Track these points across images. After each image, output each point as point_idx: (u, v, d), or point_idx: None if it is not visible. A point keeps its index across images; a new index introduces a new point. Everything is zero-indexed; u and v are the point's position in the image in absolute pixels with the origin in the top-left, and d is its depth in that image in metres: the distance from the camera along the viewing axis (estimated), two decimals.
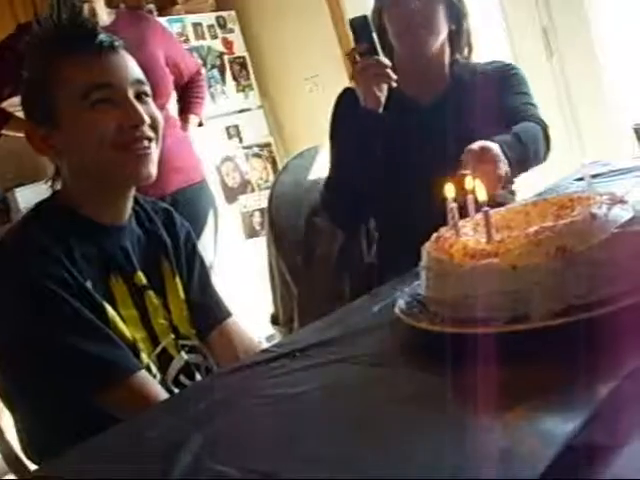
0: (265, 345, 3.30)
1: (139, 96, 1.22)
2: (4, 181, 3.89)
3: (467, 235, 0.94)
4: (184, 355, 1.31)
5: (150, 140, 1.22)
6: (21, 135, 2.48)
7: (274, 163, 4.09)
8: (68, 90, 1.18)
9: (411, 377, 0.85)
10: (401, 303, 0.98)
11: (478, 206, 0.95)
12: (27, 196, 3.73)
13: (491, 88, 1.80)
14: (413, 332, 0.90)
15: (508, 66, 1.91)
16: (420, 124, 1.82)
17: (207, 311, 1.41)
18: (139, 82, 1.23)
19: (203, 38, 3.94)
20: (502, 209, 1.04)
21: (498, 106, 1.75)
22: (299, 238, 2.02)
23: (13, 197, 3.80)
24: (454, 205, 0.98)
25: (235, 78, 4.06)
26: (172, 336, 1.30)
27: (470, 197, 1.00)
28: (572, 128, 3.11)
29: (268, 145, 4.10)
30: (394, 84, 1.67)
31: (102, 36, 1.21)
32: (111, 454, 0.82)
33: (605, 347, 0.74)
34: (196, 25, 3.91)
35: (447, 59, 1.88)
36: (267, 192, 3.91)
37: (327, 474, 0.64)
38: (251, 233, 3.95)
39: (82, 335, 1.12)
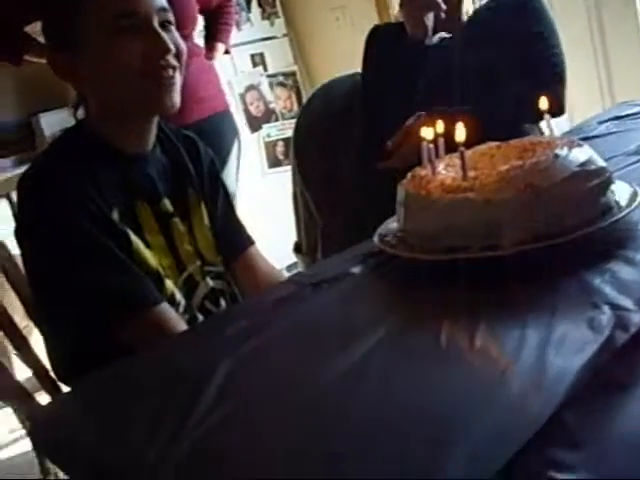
0: (286, 274, 3.34)
1: (163, 24, 1.21)
2: (28, 106, 3.89)
3: (442, 174, 1.01)
4: (209, 281, 1.33)
5: (174, 69, 1.21)
6: (43, 61, 2.48)
7: (298, 93, 4.05)
8: (94, 15, 1.17)
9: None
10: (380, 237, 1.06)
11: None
12: (51, 122, 3.73)
13: (510, 18, 1.81)
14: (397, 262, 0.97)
15: None
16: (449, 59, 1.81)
17: (230, 239, 1.42)
18: (164, 10, 1.21)
19: None
20: (468, 151, 1.08)
21: (517, 35, 1.77)
22: (324, 168, 2.02)
23: (37, 122, 3.81)
24: (429, 146, 1.03)
25: (261, 5, 3.99)
26: (198, 262, 1.32)
27: (441, 140, 1.06)
28: (602, 68, 3.04)
29: (293, 74, 4.05)
30: (443, 15, 1.71)
31: None
32: (141, 377, 0.84)
33: (566, 271, 0.84)
34: None
35: None
36: (291, 121, 3.94)
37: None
38: (274, 162, 3.94)
39: (104, 267, 1.14)
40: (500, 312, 0.78)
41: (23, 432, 2.37)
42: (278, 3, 4.06)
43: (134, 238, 1.19)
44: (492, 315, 0.77)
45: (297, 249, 2.14)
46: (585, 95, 1.85)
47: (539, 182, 0.89)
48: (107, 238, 1.14)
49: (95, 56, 1.18)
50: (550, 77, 1.75)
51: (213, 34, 2.70)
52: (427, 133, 1.03)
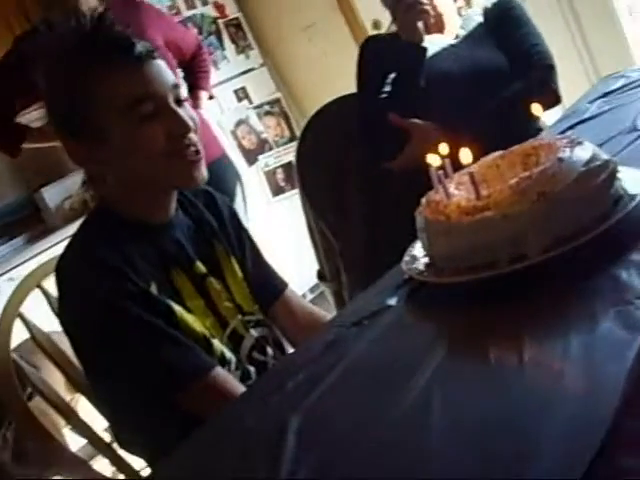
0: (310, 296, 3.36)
1: (178, 101, 1.23)
2: (28, 183, 3.95)
3: (456, 195, 1.05)
4: (253, 332, 1.36)
5: (197, 144, 1.24)
6: (43, 145, 2.53)
7: (287, 118, 4.10)
8: (111, 104, 1.17)
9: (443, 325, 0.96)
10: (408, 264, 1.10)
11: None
12: (54, 194, 3.78)
13: (494, 25, 2.02)
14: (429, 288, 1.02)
15: (504, 1, 2.06)
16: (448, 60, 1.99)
17: (265, 286, 1.46)
18: (176, 87, 1.24)
19: (194, 7, 3.92)
20: (475, 166, 1.13)
21: (502, 40, 1.98)
22: (332, 194, 2.06)
23: (40, 197, 3.86)
24: (438, 172, 1.07)
25: (233, 41, 4.06)
26: (239, 316, 1.35)
27: (447, 161, 1.11)
28: (581, 46, 3.08)
29: (277, 101, 4.11)
30: (432, 20, 1.95)
31: (139, 46, 1.20)
32: (217, 449, 0.88)
33: (593, 270, 0.88)
34: None
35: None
36: (285, 147, 4.00)
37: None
38: (277, 190, 3.99)
39: (154, 344, 1.17)
40: (541, 322, 0.82)
41: None
42: (249, 35, 4.12)
43: (176, 307, 1.22)
44: (534, 327, 0.81)
45: (320, 277, 2.18)
46: (570, 76, 1.93)
47: (550, 189, 0.93)
48: (151, 314, 1.17)
49: (119, 143, 1.19)
50: (542, 69, 1.88)
51: (194, 84, 2.76)
52: (434, 160, 1.07)
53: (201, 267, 1.31)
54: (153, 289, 1.20)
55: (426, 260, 1.07)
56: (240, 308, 1.37)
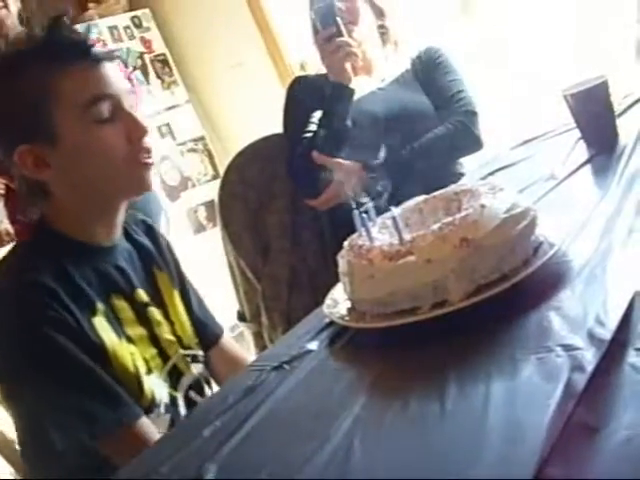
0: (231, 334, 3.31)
1: (131, 108, 1.21)
2: None
3: (379, 239, 1.05)
4: (193, 369, 1.33)
5: (150, 150, 1.22)
6: None
7: (210, 156, 4.08)
8: (67, 104, 1.14)
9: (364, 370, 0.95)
10: (330, 308, 1.09)
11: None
12: None
13: (420, 71, 2.09)
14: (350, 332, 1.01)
15: (432, 49, 2.12)
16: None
17: (207, 328, 1.45)
18: (129, 92, 1.22)
19: (121, 40, 3.90)
20: (398, 209, 1.14)
21: (428, 86, 2.05)
22: (254, 234, 2.05)
23: None
24: (360, 214, 1.08)
25: (159, 76, 4.03)
26: (180, 351, 1.32)
27: (370, 204, 1.13)
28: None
29: (202, 138, 4.09)
30: (360, 62, 2.00)
31: (96, 48, 1.18)
32: None
33: (515, 316, 0.88)
34: (112, 28, 3.87)
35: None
36: (208, 185, 3.96)
37: None
38: (198, 228, 3.95)
39: (76, 384, 1.11)
40: (463, 369, 0.81)
41: None
42: (176, 71, 4.10)
43: (111, 344, 1.16)
44: (456, 373, 0.80)
45: (241, 318, 2.15)
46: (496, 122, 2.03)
47: (472, 235, 0.93)
48: (82, 350, 1.11)
49: (74, 145, 1.15)
50: (465, 115, 1.92)
51: None
52: (356, 202, 1.07)
53: (143, 295, 1.28)
54: (99, 313, 1.16)
55: (348, 304, 1.06)
56: (180, 340, 1.33)
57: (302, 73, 2.47)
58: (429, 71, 2.07)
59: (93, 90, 1.16)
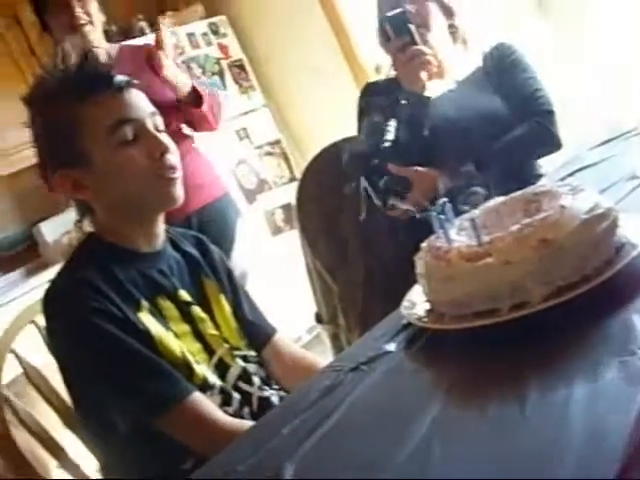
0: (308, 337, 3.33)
1: (156, 129, 1.31)
2: (27, 217, 3.95)
3: (457, 241, 1.04)
4: (240, 362, 1.38)
5: (175, 167, 1.31)
6: None
7: (287, 159, 4.12)
8: (94, 130, 1.26)
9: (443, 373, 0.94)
10: (407, 310, 1.09)
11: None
12: (52, 228, 3.79)
13: (492, 69, 2.02)
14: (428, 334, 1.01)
15: (504, 46, 2.06)
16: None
17: (258, 328, 1.49)
18: (154, 114, 1.32)
19: (198, 47, 3.96)
20: (476, 211, 1.15)
21: (502, 85, 1.98)
22: (331, 237, 2.06)
23: (39, 231, 3.86)
24: (437, 216, 1.07)
25: (236, 81, 4.09)
26: (225, 345, 1.37)
27: (448, 205, 1.11)
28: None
29: (278, 142, 4.13)
30: (435, 69, 1.90)
31: (118, 77, 1.29)
32: None
33: (597, 318, 0.86)
34: (190, 35, 3.93)
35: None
36: (284, 188, 4.00)
37: None
38: (275, 230, 3.99)
39: (131, 368, 1.20)
40: (543, 372, 0.80)
41: None
42: (252, 76, 4.15)
43: (156, 332, 1.24)
44: (536, 376, 0.79)
45: (318, 319, 2.16)
46: (574, 122, 1.96)
47: (552, 236, 0.92)
48: (132, 338, 1.20)
49: (104, 167, 1.27)
50: (543, 115, 1.88)
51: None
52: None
53: (185, 295, 1.35)
54: (144, 309, 1.25)
55: (426, 306, 1.06)
56: (226, 340, 1.39)
57: (375, 78, 2.43)
58: (502, 69, 2.01)
59: (116, 115, 1.27)
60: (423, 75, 1.88)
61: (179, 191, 1.31)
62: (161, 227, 1.36)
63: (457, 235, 1.08)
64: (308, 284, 2.16)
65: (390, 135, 1.94)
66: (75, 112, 1.26)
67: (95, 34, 2.32)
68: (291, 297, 3.34)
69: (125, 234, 1.32)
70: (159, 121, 1.33)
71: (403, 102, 1.91)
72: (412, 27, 1.84)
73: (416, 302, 1.09)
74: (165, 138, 1.31)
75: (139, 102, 1.31)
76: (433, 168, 1.90)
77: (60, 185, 1.30)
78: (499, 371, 0.85)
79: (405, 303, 1.10)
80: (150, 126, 1.30)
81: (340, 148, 2.12)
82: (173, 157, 1.31)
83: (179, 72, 2.34)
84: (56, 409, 1.48)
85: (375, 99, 2.07)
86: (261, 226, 3.96)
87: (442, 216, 1.05)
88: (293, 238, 3.59)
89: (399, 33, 1.85)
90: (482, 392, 0.82)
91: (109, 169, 1.27)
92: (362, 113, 2.10)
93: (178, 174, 1.31)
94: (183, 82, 2.33)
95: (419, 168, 1.90)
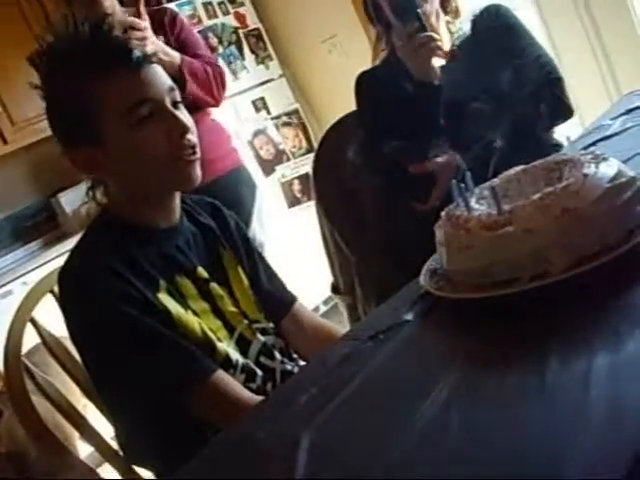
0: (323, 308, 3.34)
1: (174, 104, 1.25)
2: (45, 188, 3.97)
3: (476, 210, 1.03)
4: (260, 337, 1.37)
5: (195, 146, 1.26)
6: None
7: (305, 129, 4.10)
8: (110, 108, 1.20)
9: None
10: (426, 279, 1.08)
11: None
12: (71, 199, 3.81)
13: (486, 36, 1.88)
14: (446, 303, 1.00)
15: (495, 9, 1.93)
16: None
17: (276, 298, 1.47)
18: (172, 90, 1.26)
19: (215, 16, 3.93)
20: (496, 180, 1.12)
21: (502, 53, 1.84)
22: (348, 207, 2.04)
23: (57, 202, 3.88)
24: (457, 184, 1.06)
25: (253, 51, 4.06)
26: (245, 321, 1.36)
27: (468, 174, 1.09)
28: (603, 62, 3.04)
29: (296, 112, 4.11)
30: (444, 55, 1.76)
31: (137, 51, 1.22)
32: (227, 466, 0.86)
33: (618, 288, 0.85)
34: (206, 4, 3.91)
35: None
36: (302, 159, 3.99)
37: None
38: (293, 201, 3.98)
39: (152, 349, 1.18)
40: (563, 342, 0.80)
41: None
42: (270, 46, 4.12)
43: (176, 312, 1.23)
44: (556, 346, 0.78)
45: (334, 290, 2.16)
46: (590, 92, 1.89)
47: (574, 205, 0.91)
48: (150, 318, 1.18)
49: (119, 148, 1.22)
50: (552, 83, 1.81)
51: None
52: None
53: (203, 272, 1.33)
54: (162, 289, 1.22)
55: (444, 275, 1.05)
56: (245, 315, 1.37)
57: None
58: (497, 35, 1.86)
59: (135, 95, 1.21)
60: (434, 62, 1.76)
61: (197, 172, 1.27)
62: (177, 202, 1.33)
63: (477, 204, 1.07)
64: (325, 255, 2.15)
65: (400, 132, 1.82)
66: (90, 88, 1.19)
67: (109, 1, 2.27)
68: (308, 268, 3.33)
69: (141, 212, 1.29)
70: (177, 95, 1.27)
71: (412, 92, 1.79)
72: (420, 11, 1.70)
73: (435, 271, 1.08)
74: (184, 116, 1.26)
75: (157, 79, 1.24)
76: (449, 153, 1.82)
77: (74, 161, 1.25)
78: (519, 341, 0.85)
79: (424, 272, 1.10)
80: (168, 104, 1.23)
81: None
82: (193, 136, 1.25)
83: (164, 46, 2.25)
84: (75, 378, 1.49)
85: (375, 92, 1.93)
86: (279, 197, 3.95)
87: (462, 184, 1.04)
88: (310, 209, 3.60)
89: (408, 19, 1.71)
90: (501, 362, 0.81)
91: (125, 149, 1.22)
92: (365, 108, 1.96)
93: (197, 155, 1.26)
94: (170, 57, 2.26)
95: (438, 159, 1.82)
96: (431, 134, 1.81)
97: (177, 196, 1.33)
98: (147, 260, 1.24)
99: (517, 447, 0.65)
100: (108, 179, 1.29)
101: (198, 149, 1.27)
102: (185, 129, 1.24)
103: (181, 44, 2.39)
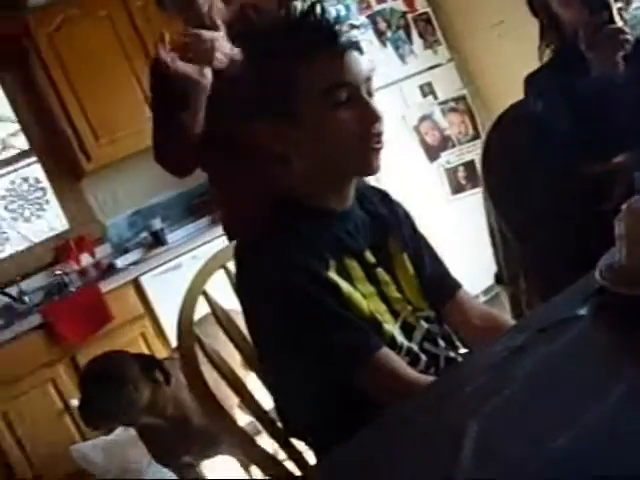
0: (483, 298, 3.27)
1: (369, 93, 1.27)
2: None
3: None
4: (424, 324, 1.37)
5: (382, 134, 1.27)
6: None
7: (471, 115, 4.03)
8: (310, 88, 1.23)
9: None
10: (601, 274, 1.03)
11: None
12: None
13: None
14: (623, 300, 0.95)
15: None
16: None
17: (441, 284, 1.47)
18: (369, 80, 1.28)
19: (384, 1, 3.93)
20: None
21: None
22: (517, 195, 1.99)
23: None
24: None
25: (421, 35, 4.03)
26: (409, 307, 1.36)
27: None
28: None
29: (463, 98, 4.04)
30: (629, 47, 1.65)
31: (343, 36, 1.25)
32: (388, 449, 0.86)
33: None
34: None
35: None
36: (468, 145, 3.93)
37: None
38: (458, 188, 3.93)
39: (324, 323, 1.21)
40: None
41: (246, 477, 2.51)
42: (438, 31, 4.08)
43: (347, 289, 1.25)
44: None
45: (498, 280, 2.11)
46: None
47: None
48: (324, 294, 1.21)
49: (312, 127, 1.25)
50: None
51: None
52: None
53: (371, 257, 1.34)
54: (331, 271, 1.25)
55: (621, 270, 1.00)
56: (409, 302, 1.38)
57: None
58: None
59: (335, 78, 1.23)
60: (619, 57, 1.67)
61: (379, 161, 1.29)
62: (353, 188, 1.36)
63: None
64: (487, 243, 2.11)
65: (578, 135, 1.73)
66: (294, 68, 1.23)
67: None
68: (469, 256, 3.29)
69: (318, 192, 1.32)
70: (372, 87, 1.30)
71: (592, 89, 1.71)
72: (611, 1, 1.62)
73: (612, 266, 1.03)
74: (377, 106, 1.28)
75: (358, 66, 1.26)
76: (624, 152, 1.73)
77: (260, 134, 1.29)
78: None
79: (599, 267, 1.05)
80: (364, 92, 1.26)
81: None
82: (382, 126, 1.28)
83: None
84: (240, 350, 1.55)
85: (548, 94, 1.84)
86: (443, 183, 3.91)
87: None
88: (474, 196, 3.55)
89: (598, 9, 1.64)
90: None
91: (318, 129, 1.25)
92: (539, 118, 1.87)
93: (382, 144, 1.28)
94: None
95: (616, 160, 1.74)
96: (611, 133, 1.71)
97: (354, 182, 1.35)
98: (319, 240, 1.28)
99: None
100: (294, 156, 1.31)
101: (383, 139, 1.29)
102: (377, 118, 1.26)
103: None
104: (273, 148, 1.31)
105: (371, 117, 1.25)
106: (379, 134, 1.27)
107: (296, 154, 1.31)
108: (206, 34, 2.07)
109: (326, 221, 1.31)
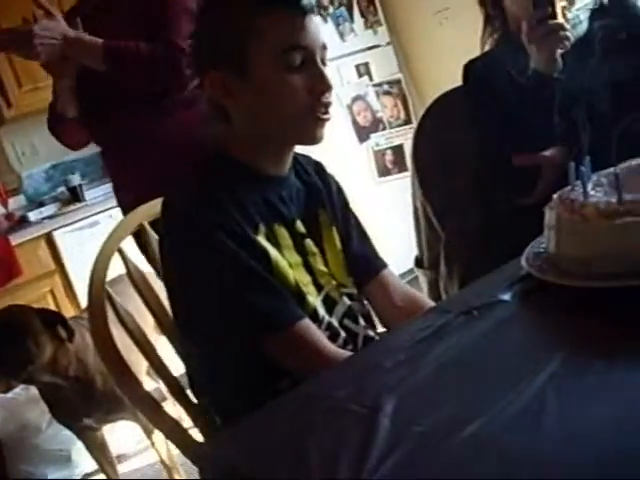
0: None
1: (323, 62, 1.25)
2: None
3: (592, 196, 0.97)
4: (346, 300, 1.36)
5: (329, 105, 1.25)
6: None
7: (404, 100, 4.04)
8: (266, 45, 1.20)
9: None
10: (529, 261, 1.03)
11: None
12: None
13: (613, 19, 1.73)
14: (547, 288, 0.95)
15: None
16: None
17: (366, 262, 1.45)
18: (324, 47, 1.26)
19: None
20: (618, 168, 1.04)
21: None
22: (445, 182, 1.99)
23: None
24: (576, 167, 1.00)
25: (363, 15, 4.01)
26: (333, 282, 1.35)
27: (587, 159, 1.03)
28: None
29: (398, 82, 4.04)
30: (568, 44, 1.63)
31: None
32: (307, 415, 0.84)
33: None
34: None
35: None
36: (398, 130, 3.94)
37: None
38: (384, 171, 3.94)
39: (248, 285, 1.19)
40: None
41: (149, 443, 2.48)
42: (380, 11, 4.06)
43: (274, 255, 1.23)
44: None
45: (418, 263, 2.11)
46: None
47: None
48: (250, 257, 1.19)
49: (261, 85, 1.22)
50: None
51: None
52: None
53: (300, 226, 1.33)
54: (260, 234, 1.23)
55: (549, 259, 1.00)
56: (333, 277, 1.37)
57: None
58: (621, 26, 1.70)
59: (293, 39, 1.21)
60: (558, 53, 1.65)
61: (323, 132, 1.27)
62: (291, 155, 1.33)
63: (592, 191, 1.01)
64: (408, 227, 2.11)
65: (510, 126, 1.71)
66: (251, 20, 1.20)
67: None
68: (390, 238, 3.30)
69: (253, 153, 1.29)
70: (325, 55, 1.27)
71: (528, 83, 1.68)
72: None
73: (538, 254, 1.03)
74: (329, 75, 1.25)
75: (316, 31, 1.24)
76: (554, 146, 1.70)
77: (210, 84, 1.25)
78: (626, 335, 0.80)
79: (526, 254, 1.05)
80: (318, 58, 1.24)
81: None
82: (330, 96, 1.25)
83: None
84: (153, 313, 1.50)
85: (486, 81, 1.82)
86: (370, 165, 3.91)
87: (583, 168, 0.99)
88: (399, 180, 3.56)
89: (541, 3, 1.61)
90: (605, 354, 0.77)
91: (265, 87, 1.22)
92: (476, 102, 1.86)
93: (330, 115, 1.26)
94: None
95: (545, 153, 1.70)
96: (543, 127, 1.68)
97: (293, 148, 1.33)
98: (251, 202, 1.25)
99: (618, 440, 0.61)
100: (234, 111, 1.27)
101: (331, 110, 1.27)
102: (328, 87, 1.24)
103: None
104: (217, 100, 1.27)
105: (322, 85, 1.23)
106: (327, 104, 1.24)
107: (239, 111, 1.27)
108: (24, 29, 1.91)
109: (261, 185, 1.28)
